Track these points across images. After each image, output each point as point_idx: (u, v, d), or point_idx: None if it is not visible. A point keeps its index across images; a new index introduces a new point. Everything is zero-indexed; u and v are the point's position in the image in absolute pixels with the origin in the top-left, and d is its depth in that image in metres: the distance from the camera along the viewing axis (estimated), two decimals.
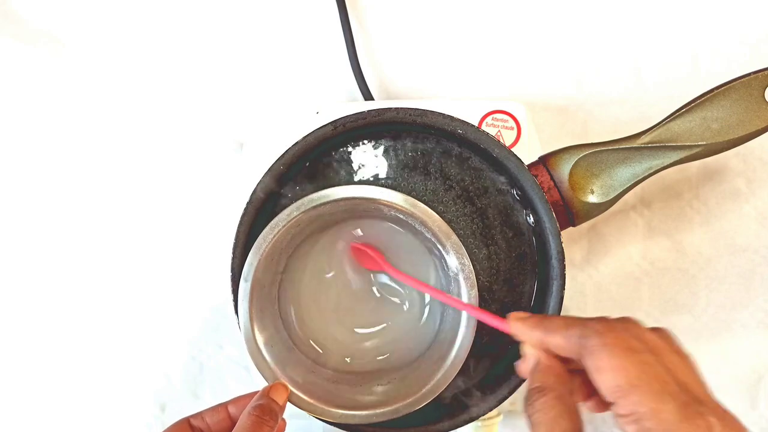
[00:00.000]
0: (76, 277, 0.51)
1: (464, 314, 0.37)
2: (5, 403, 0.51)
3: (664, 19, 0.50)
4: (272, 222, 0.36)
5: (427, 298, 0.42)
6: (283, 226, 0.36)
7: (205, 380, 0.51)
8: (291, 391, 0.36)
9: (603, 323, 0.29)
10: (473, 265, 0.37)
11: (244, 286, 0.36)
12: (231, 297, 0.38)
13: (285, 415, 0.36)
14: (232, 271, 0.38)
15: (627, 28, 0.50)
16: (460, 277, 0.37)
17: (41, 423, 0.51)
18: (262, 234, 0.36)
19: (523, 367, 0.32)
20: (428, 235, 0.38)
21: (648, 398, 0.25)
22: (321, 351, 0.41)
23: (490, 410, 0.38)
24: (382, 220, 0.41)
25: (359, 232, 0.41)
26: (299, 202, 0.36)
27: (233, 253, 0.38)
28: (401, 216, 0.38)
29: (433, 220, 0.36)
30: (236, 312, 0.38)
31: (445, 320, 0.40)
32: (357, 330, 0.42)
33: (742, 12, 0.50)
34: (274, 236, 0.36)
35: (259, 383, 0.37)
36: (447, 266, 0.38)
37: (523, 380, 0.37)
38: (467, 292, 0.37)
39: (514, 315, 0.33)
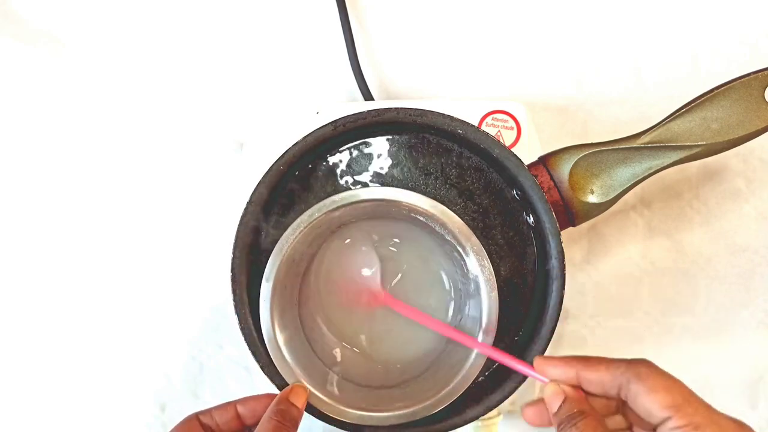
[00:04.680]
0: (75, 277, 0.51)
1: (484, 318, 0.37)
2: (5, 403, 0.51)
3: (664, 19, 0.50)
4: (294, 223, 0.36)
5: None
6: (305, 227, 0.36)
7: (205, 380, 0.51)
8: (310, 391, 0.36)
9: (642, 359, 0.32)
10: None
11: (266, 287, 0.36)
12: (231, 297, 0.38)
13: None
14: (232, 271, 0.38)
15: (627, 28, 0.50)
16: (480, 280, 0.36)
17: (41, 423, 0.51)
18: (284, 235, 0.36)
19: (531, 411, 0.34)
20: (448, 238, 0.38)
21: (703, 410, 0.29)
22: (340, 355, 0.41)
23: (490, 410, 0.38)
24: (399, 220, 0.41)
25: (367, 265, 0.41)
26: (321, 203, 0.36)
27: (233, 253, 0.38)
28: (420, 218, 0.38)
29: (454, 222, 0.36)
30: (236, 312, 0.38)
31: (464, 324, 0.40)
32: (372, 334, 0.41)
33: (742, 12, 0.50)
34: (296, 237, 0.36)
35: (260, 384, 0.37)
36: (467, 269, 0.38)
37: (524, 380, 0.37)
38: (488, 294, 0.36)
39: (540, 358, 0.34)
